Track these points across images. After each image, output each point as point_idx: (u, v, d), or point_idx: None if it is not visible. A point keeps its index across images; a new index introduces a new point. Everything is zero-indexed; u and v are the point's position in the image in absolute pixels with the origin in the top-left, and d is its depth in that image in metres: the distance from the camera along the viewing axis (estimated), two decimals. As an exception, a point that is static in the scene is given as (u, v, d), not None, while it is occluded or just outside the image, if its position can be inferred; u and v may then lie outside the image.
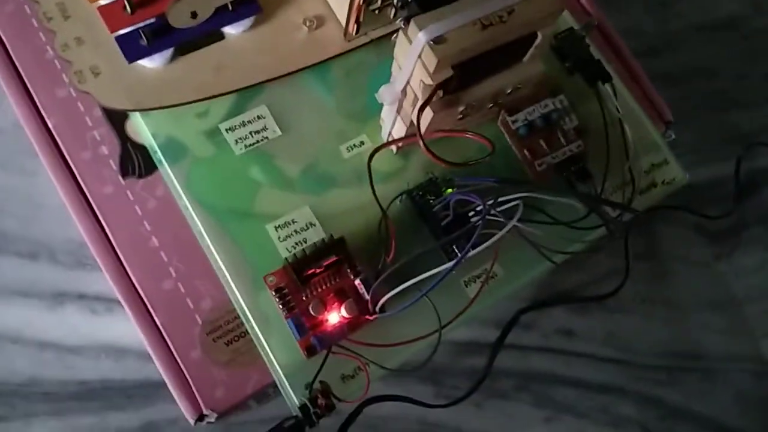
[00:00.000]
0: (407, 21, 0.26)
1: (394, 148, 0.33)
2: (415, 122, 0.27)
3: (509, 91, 0.29)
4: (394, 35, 0.27)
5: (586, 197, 0.30)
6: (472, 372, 0.38)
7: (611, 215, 0.33)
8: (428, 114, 0.27)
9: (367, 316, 0.29)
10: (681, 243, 0.41)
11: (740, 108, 0.44)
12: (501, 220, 0.29)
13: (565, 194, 0.30)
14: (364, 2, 0.30)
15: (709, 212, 0.42)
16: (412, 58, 0.25)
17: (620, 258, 0.36)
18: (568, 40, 0.36)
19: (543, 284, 0.39)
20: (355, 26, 0.32)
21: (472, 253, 0.27)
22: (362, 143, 0.33)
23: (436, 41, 0.24)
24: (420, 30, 0.24)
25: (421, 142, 0.26)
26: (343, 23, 0.33)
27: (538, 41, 0.27)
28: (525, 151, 0.34)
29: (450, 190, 0.31)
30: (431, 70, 0.25)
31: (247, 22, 0.32)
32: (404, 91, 0.28)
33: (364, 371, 0.30)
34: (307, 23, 0.33)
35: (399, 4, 0.28)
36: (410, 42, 0.25)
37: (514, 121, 0.34)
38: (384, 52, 0.35)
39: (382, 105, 0.32)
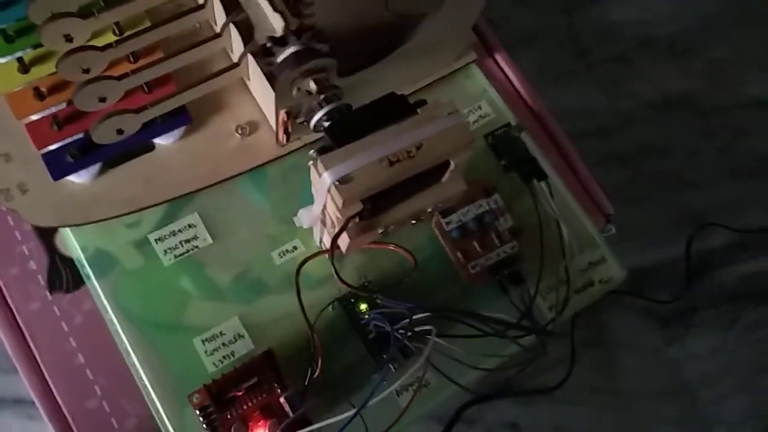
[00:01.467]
0: (319, 152, 0.26)
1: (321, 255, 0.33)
2: (330, 247, 0.27)
3: (430, 210, 0.29)
4: (310, 161, 0.27)
5: (498, 323, 0.30)
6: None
7: (542, 323, 0.33)
8: (345, 239, 0.27)
9: (289, 439, 0.29)
10: (630, 328, 0.41)
11: (692, 187, 0.44)
12: (427, 336, 0.29)
13: (476, 318, 0.29)
14: (288, 118, 0.31)
15: (660, 295, 0.42)
16: (322, 191, 0.25)
17: (567, 345, 0.36)
18: (504, 138, 0.37)
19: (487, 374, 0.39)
20: (285, 135, 0.33)
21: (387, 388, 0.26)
22: (295, 248, 0.33)
23: (342, 181, 0.24)
24: (326, 170, 0.24)
25: (335, 274, 0.26)
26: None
27: (451, 167, 0.27)
28: (458, 254, 0.34)
29: (364, 306, 0.31)
30: (339, 206, 0.25)
31: (177, 132, 0.33)
32: (323, 212, 0.28)
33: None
34: (240, 130, 0.34)
35: (315, 128, 0.28)
36: (318, 175, 0.25)
37: (447, 223, 0.34)
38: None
39: (316, 208, 0.32)
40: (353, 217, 0.26)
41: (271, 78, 0.29)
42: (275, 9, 0.27)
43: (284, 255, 0.33)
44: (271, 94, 0.30)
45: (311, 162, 0.26)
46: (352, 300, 0.32)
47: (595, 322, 0.41)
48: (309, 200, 0.31)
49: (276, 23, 0.27)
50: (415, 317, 0.28)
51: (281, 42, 0.27)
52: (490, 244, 0.34)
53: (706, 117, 0.46)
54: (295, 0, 0.28)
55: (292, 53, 0.27)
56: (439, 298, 0.34)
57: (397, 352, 0.31)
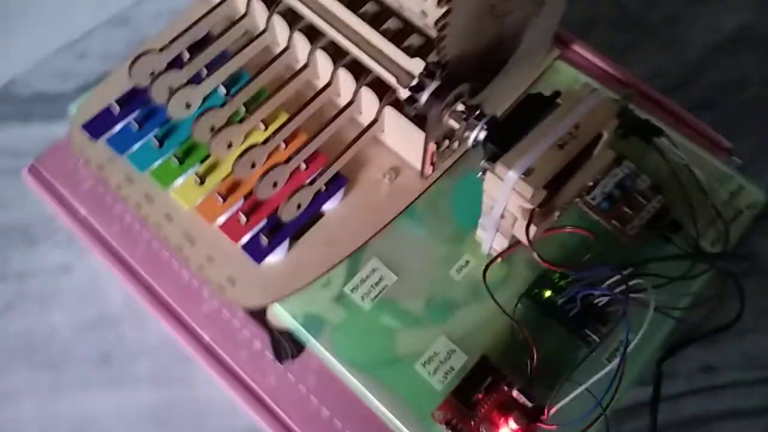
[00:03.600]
0: (491, 160, 0.29)
1: (498, 258, 0.36)
2: (524, 239, 0.30)
3: (591, 183, 0.32)
4: (481, 174, 0.30)
5: (697, 256, 0.32)
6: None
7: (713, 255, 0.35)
8: (532, 229, 0.30)
9: (539, 424, 0.31)
10: (780, 249, 0.43)
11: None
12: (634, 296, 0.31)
13: (670, 257, 0.32)
14: (437, 149, 0.34)
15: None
16: (506, 192, 0.29)
17: (725, 283, 0.38)
18: (612, 111, 0.40)
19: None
20: (431, 167, 0.36)
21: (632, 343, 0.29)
22: (467, 262, 0.37)
23: (527, 173, 0.28)
24: (510, 169, 0.28)
25: (537, 257, 0.29)
26: (417, 167, 0.37)
27: (605, 138, 0.30)
28: (613, 221, 0.37)
29: (548, 293, 0.34)
30: (528, 197, 0.28)
31: (339, 195, 0.37)
32: (502, 215, 0.31)
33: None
34: (387, 176, 0.38)
35: (473, 145, 0.32)
36: (501, 179, 0.29)
37: (593, 199, 0.37)
38: (454, 175, 0.39)
39: (471, 224, 0.36)
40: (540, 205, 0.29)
41: (418, 119, 0.33)
42: (412, 55, 0.31)
43: (461, 270, 0.36)
44: (415, 135, 0.34)
45: (483, 172, 0.30)
46: (536, 291, 0.35)
47: (745, 252, 0.42)
48: (461, 219, 0.36)
49: (415, 67, 0.31)
50: (613, 279, 0.31)
51: (421, 84, 0.31)
52: (638, 205, 0.37)
53: (766, 45, 0.49)
54: (425, 41, 0.32)
55: (434, 90, 0.31)
56: (596, 254, 0.36)
57: (596, 323, 0.33)
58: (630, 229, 0.36)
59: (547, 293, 0.35)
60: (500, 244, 0.35)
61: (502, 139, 0.30)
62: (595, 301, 0.33)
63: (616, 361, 0.29)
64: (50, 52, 0.49)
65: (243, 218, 0.35)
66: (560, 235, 0.35)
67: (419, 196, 0.38)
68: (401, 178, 0.38)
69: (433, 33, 0.32)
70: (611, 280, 0.31)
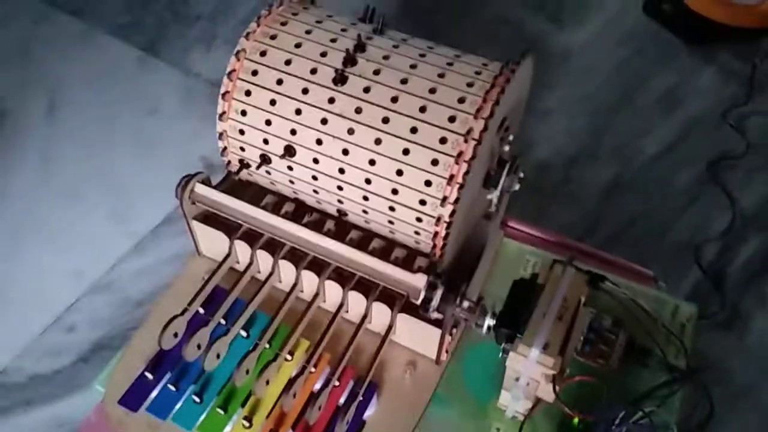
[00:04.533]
0: (508, 341, 0.36)
1: (521, 417, 0.41)
2: (549, 398, 0.36)
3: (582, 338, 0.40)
4: (502, 354, 0.36)
5: (680, 378, 0.41)
6: None
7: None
8: (557, 387, 0.37)
9: None
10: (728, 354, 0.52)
11: (668, 229, 0.59)
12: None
13: (662, 384, 0.40)
14: (452, 338, 0.41)
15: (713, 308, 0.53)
16: (531, 365, 0.35)
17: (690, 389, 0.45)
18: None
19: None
20: (446, 352, 0.42)
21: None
22: (498, 429, 0.41)
23: (545, 347, 0.35)
24: (531, 347, 0.35)
25: (565, 408, 0.35)
26: (430, 356, 0.43)
27: (582, 301, 0.38)
28: (598, 360, 0.44)
29: (581, 426, 0.40)
30: (551, 365, 0.35)
31: (374, 401, 0.41)
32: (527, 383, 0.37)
33: None
34: (407, 371, 0.43)
35: (487, 330, 0.38)
36: (525, 356, 0.35)
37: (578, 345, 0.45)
38: (459, 356, 0.45)
39: (487, 394, 0.41)
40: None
41: (434, 320, 0.39)
42: (414, 271, 0.38)
43: (496, 439, 0.41)
44: (429, 332, 0.40)
45: (505, 353, 0.36)
46: (564, 438, 0.41)
47: (697, 357, 0.51)
48: (477, 392, 0.41)
49: (419, 282, 0.38)
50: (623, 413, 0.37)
51: (432, 288, 0.38)
52: (610, 341, 0.44)
53: (636, 182, 0.63)
54: (407, 252, 0.40)
55: (443, 293, 0.38)
56: (604, 395, 0.43)
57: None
58: (611, 363, 0.44)
59: (574, 438, 0.41)
60: (523, 406, 0.40)
61: (512, 322, 0.37)
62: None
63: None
64: (37, 332, 0.50)
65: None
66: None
67: (439, 381, 0.43)
68: (419, 368, 0.43)
69: (426, 250, 0.40)
70: (622, 414, 0.37)
